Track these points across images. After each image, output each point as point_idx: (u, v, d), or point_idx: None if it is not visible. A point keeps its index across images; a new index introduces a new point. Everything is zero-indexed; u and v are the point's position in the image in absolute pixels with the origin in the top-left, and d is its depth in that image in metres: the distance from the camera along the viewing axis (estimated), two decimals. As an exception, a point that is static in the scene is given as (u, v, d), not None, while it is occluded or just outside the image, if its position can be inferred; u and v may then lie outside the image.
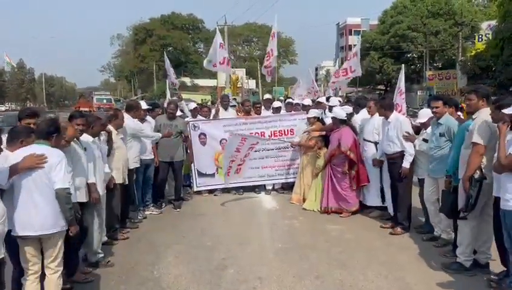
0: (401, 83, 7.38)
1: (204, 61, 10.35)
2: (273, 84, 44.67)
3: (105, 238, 5.56)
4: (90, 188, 4.71)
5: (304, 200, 7.60)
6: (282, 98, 19.07)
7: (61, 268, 3.79)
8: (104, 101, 40.92)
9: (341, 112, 7.14)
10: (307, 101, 9.16)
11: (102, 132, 5.44)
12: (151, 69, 61.32)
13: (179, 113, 8.30)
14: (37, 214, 3.58)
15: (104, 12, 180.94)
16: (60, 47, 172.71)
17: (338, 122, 7.04)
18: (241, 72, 42.29)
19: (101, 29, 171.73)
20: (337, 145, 6.93)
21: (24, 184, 3.59)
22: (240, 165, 8.05)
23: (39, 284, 3.73)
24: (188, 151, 8.09)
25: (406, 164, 5.94)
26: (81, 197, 4.54)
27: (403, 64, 9.70)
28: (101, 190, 5.00)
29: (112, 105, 35.70)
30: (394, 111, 6.31)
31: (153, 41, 64.64)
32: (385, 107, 6.22)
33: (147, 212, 7.11)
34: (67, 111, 38.84)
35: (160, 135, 7.15)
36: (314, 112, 7.86)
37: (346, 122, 7.07)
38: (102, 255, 5.06)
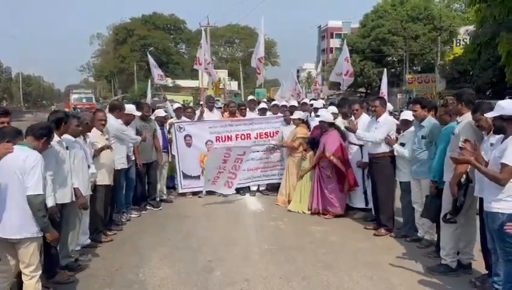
0: (383, 86, 7.59)
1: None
2: (260, 86, 44.70)
3: (88, 241, 5.49)
4: (76, 193, 4.63)
5: (289, 201, 7.62)
6: (265, 99, 19.09)
7: (39, 273, 3.68)
8: (84, 100, 36.66)
9: (328, 115, 7.12)
10: (293, 102, 9.19)
11: (88, 134, 5.37)
12: (131, 70, 60.42)
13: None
14: (7, 217, 3.51)
15: (83, 11, 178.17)
16: (37, 46, 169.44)
17: (326, 125, 6.99)
18: (223, 74, 42.11)
19: (80, 29, 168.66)
20: (323, 149, 6.92)
21: None
22: (230, 178, 8.04)
23: None
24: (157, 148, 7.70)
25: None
26: (65, 198, 4.47)
27: (385, 69, 9.94)
28: (85, 191, 4.92)
29: (93, 105, 32.35)
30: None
31: (134, 41, 63.66)
32: (384, 106, 6.28)
33: (129, 215, 7.02)
34: (45, 111, 37.64)
35: (139, 138, 6.92)
36: (298, 114, 7.89)
37: (334, 125, 7.03)
38: (73, 259, 4.89)
